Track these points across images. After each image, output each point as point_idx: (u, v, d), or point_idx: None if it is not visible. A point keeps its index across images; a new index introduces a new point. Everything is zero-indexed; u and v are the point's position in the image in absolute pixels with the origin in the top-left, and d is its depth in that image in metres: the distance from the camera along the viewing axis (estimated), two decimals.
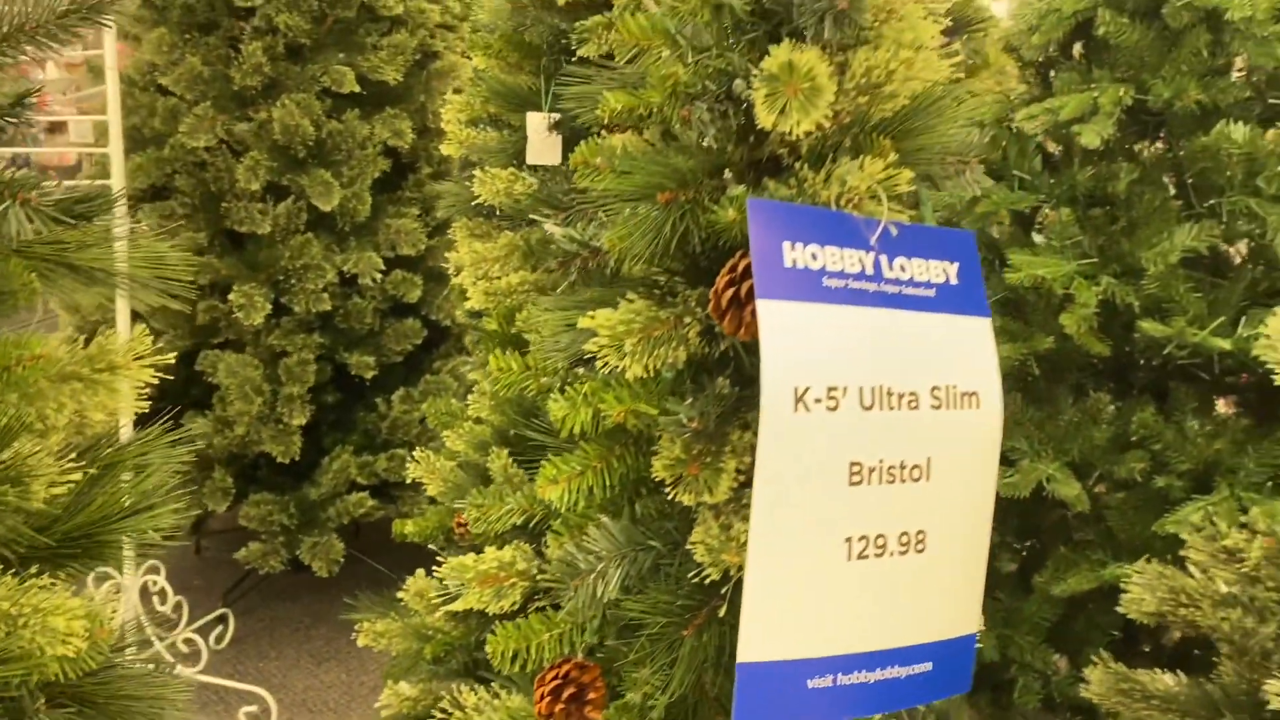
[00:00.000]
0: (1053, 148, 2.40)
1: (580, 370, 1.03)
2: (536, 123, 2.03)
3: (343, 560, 3.33)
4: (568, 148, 2.09)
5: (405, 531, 2.12)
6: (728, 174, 0.98)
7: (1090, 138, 2.07)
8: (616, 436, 1.05)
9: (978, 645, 2.22)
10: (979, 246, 2.50)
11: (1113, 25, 2.16)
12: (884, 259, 0.93)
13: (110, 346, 1.01)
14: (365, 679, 3.31)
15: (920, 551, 0.94)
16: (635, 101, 1.02)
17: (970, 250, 0.99)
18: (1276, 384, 1.41)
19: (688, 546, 0.98)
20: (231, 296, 3.25)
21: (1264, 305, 2.19)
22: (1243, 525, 1.54)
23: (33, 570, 0.91)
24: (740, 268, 0.94)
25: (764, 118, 0.93)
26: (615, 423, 0.97)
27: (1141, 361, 2.24)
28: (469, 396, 2.25)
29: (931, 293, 0.95)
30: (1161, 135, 2.30)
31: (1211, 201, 2.13)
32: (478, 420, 2.16)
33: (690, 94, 0.98)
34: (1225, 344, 1.97)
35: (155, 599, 3.12)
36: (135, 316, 3.38)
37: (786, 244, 0.89)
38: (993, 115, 2.43)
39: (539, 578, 1.15)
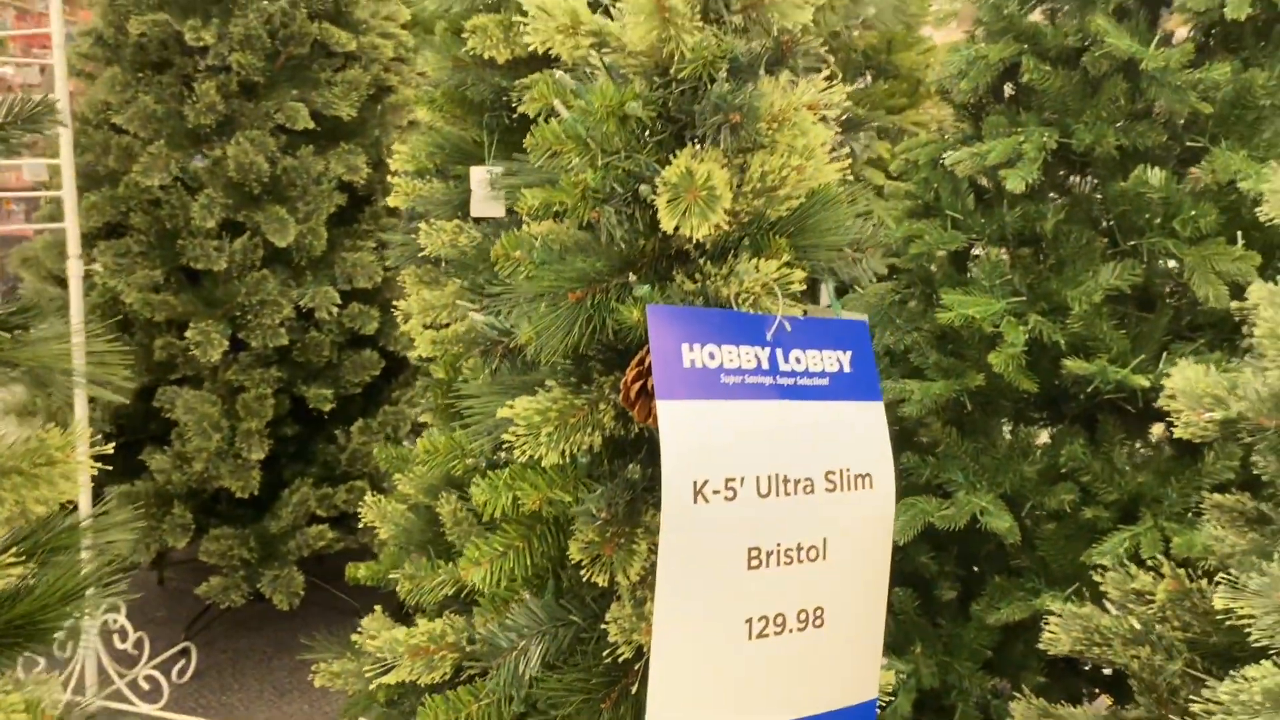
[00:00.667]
0: (986, 182, 2.48)
1: (501, 454, 1.09)
2: (480, 177, 2.09)
3: (303, 593, 3.36)
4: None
5: (358, 576, 2.16)
6: (632, 276, 1.04)
7: (1015, 183, 2.15)
8: (537, 517, 1.11)
9: (919, 672, 2.30)
10: (916, 281, 2.58)
11: (1036, 73, 2.25)
12: (779, 353, 0.99)
13: (50, 441, 1.05)
14: (328, 709, 3.34)
15: (819, 626, 1.00)
16: (551, 198, 1.08)
17: (863, 338, 1.06)
18: (1177, 435, 1.48)
19: (602, 626, 1.04)
20: (189, 333, 3.27)
21: (1187, 339, 2.28)
22: (1150, 567, 1.61)
23: None
24: (647, 361, 1.00)
25: (666, 222, 0.99)
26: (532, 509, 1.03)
27: (1071, 394, 2.32)
28: (419, 440, 2.29)
29: (825, 381, 1.01)
30: (1088, 174, 2.38)
31: (1133, 242, 2.21)
32: (428, 464, 2.21)
33: (599, 197, 1.04)
34: (1145, 381, 2.05)
35: (115, 637, 3.14)
36: (88, 352, 3.40)
37: (685, 345, 0.95)
38: (926, 155, 2.51)
39: (468, 649, 1.20)
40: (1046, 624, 1.66)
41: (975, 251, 2.43)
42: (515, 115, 2.07)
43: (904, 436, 2.50)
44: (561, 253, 1.09)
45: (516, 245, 1.11)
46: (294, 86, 3.42)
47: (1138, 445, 2.31)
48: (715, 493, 0.92)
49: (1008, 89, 2.50)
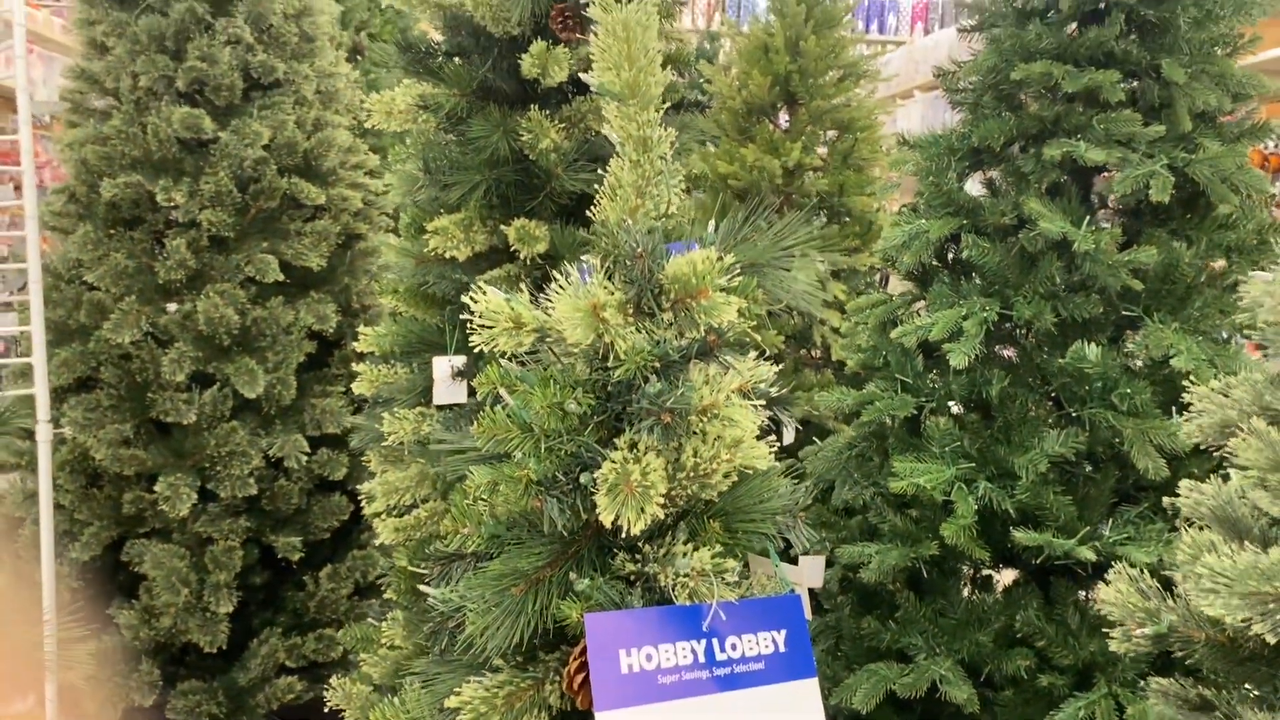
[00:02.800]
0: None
1: None
2: (443, 368, 2.15)
3: None
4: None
5: None
6: (573, 574, 1.09)
7: (959, 359, 2.23)
8: None
9: None
10: (871, 438, 2.64)
11: (975, 249, 2.35)
12: (716, 643, 1.04)
13: None
14: None
15: None
16: (497, 478, 1.13)
17: (797, 614, 1.11)
18: (1112, 649, 1.54)
19: None
20: (158, 487, 3.29)
21: (1131, 501, 2.35)
22: None
23: None
24: (589, 662, 1.05)
25: (605, 516, 1.05)
26: None
27: (1023, 558, 2.37)
28: (383, 622, 2.32)
29: (761, 665, 1.06)
30: (1029, 340, 2.47)
31: (1075, 411, 2.29)
32: (392, 646, 2.24)
33: (541, 486, 1.10)
34: (1091, 555, 2.11)
35: None
36: (59, 507, 3.41)
37: (623, 651, 1.00)
38: (875, 319, 2.61)
39: None
40: None
41: (923, 415, 2.50)
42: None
43: (864, 594, 2.54)
44: (509, 527, 1.14)
45: (465, 519, 1.16)
46: (264, 238, 3.49)
47: (1090, 607, 2.36)
48: None
49: (950, 255, 2.60)
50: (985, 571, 2.57)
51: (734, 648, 1.05)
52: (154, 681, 3.26)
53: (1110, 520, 2.27)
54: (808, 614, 1.11)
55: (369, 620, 2.40)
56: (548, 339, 1.13)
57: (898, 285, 2.83)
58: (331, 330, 3.59)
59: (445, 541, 1.17)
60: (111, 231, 3.44)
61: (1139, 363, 2.27)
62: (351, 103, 3.93)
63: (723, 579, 1.06)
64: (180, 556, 3.31)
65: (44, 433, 2.99)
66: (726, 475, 1.09)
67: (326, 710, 2.27)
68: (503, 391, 1.16)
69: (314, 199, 3.54)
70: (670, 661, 1.01)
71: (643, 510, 1.03)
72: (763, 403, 1.14)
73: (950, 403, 2.48)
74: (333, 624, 3.50)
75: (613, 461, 1.05)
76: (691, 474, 1.07)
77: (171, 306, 3.41)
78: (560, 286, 1.10)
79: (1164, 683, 1.72)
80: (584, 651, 1.05)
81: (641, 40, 1.11)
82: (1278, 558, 1.29)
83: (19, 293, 3.22)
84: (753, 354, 1.16)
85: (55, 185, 3.57)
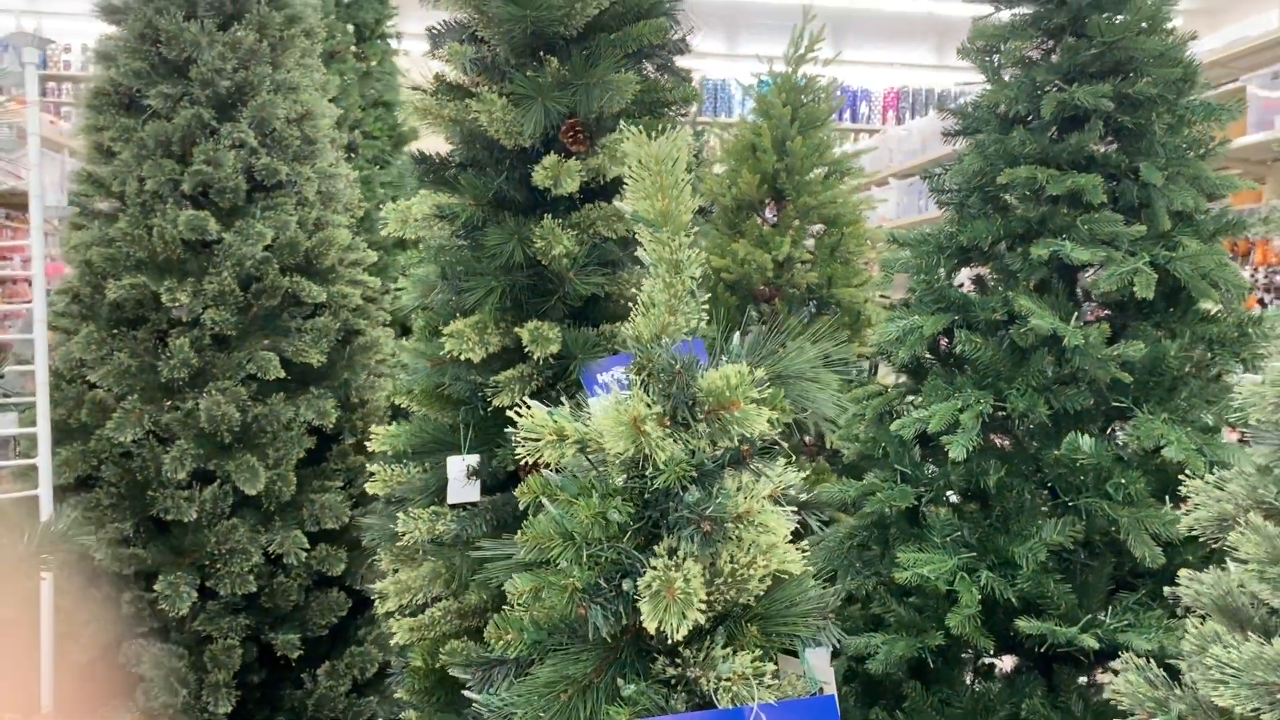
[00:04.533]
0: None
1: None
2: (457, 468, 2.20)
3: None
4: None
5: None
6: (620, 680, 1.13)
7: (958, 451, 2.30)
8: None
9: None
10: (872, 528, 2.68)
11: (968, 344, 2.43)
12: None
13: None
14: None
15: None
16: (539, 584, 1.18)
17: (832, 714, 1.15)
18: None
19: None
20: (158, 586, 3.28)
21: (1129, 588, 2.41)
22: None
23: None
24: None
25: (649, 623, 1.10)
26: None
27: (1026, 646, 2.41)
28: None
29: None
30: (1023, 431, 2.55)
31: (1071, 501, 2.35)
32: None
33: (586, 594, 1.15)
34: (1093, 642, 2.16)
35: None
36: (57, 608, 3.39)
37: None
38: (872, 411, 2.68)
39: None
40: None
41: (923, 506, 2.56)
42: (489, 408, 2.19)
43: (869, 688, 2.57)
44: (550, 632, 1.18)
45: (509, 627, 1.20)
46: (265, 336, 3.53)
47: (1093, 694, 2.40)
48: None
49: (944, 345, 2.69)
50: (988, 660, 2.60)
51: None
52: None
53: (1109, 607, 2.32)
54: (838, 708, 1.16)
55: None
56: (587, 449, 1.19)
57: (886, 372, 2.91)
58: (331, 426, 3.62)
59: (488, 648, 1.20)
60: (115, 331, 3.48)
61: (1131, 452, 2.34)
62: (350, 202, 4.02)
63: (762, 681, 1.11)
64: (179, 656, 3.29)
65: None
66: (762, 580, 1.14)
67: None
68: (545, 501, 1.21)
69: (315, 297, 3.60)
70: None
71: (684, 616, 1.08)
72: (794, 508, 1.19)
73: (948, 492, 2.55)
74: None
75: (654, 569, 1.10)
76: (729, 579, 1.13)
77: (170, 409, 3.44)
78: (600, 402, 1.16)
79: None
80: None
81: (672, 171, 1.19)
82: None
83: (19, 394, 3.25)
84: (780, 461, 1.22)
85: (59, 285, 3.62)
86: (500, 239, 2.10)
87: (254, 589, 3.38)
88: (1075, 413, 2.39)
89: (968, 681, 2.52)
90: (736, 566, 1.12)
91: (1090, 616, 2.24)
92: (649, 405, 1.15)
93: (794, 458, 1.14)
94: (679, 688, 1.13)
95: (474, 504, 2.22)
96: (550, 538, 1.16)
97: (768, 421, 1.17)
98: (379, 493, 2.30)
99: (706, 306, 1.23)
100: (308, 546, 3.47)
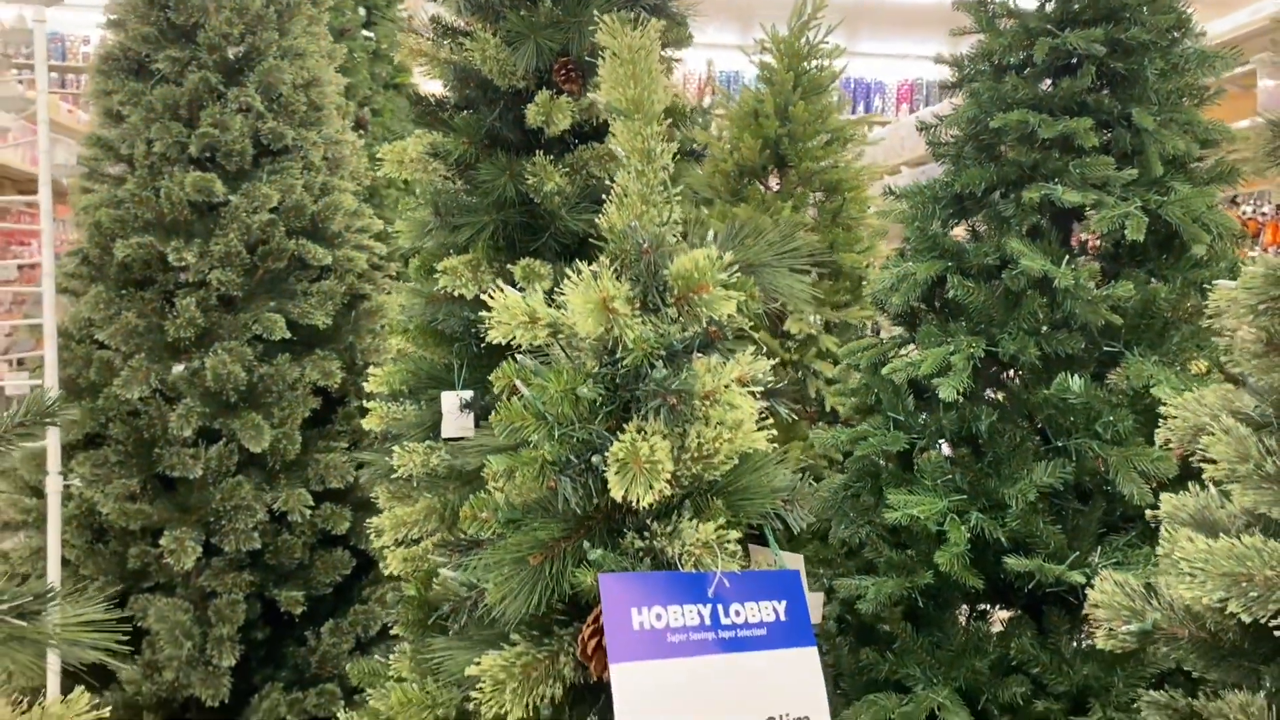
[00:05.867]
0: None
1: (469, 705, 1.18)
2: (451, 402, 2.23)
3: None
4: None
5: None
6: (587, 544, 1.16)
7: (948, 392, 2.31)
8: None
9: None
10: (865, 476, 2.70)
11: (961, 289, 2.45)
12: (720, 608, 1.11)
13: (53, 710, 1.13)
14: None
15: None
16: (514, 465, 1.21)
17: (796, 588, 1.18)
18: (1099, 646, 1.59)
19: None
20: (163, 541, 3.33)
21: (1120, 529, 2.42)
22: None
23: None
24: (603, 619, 1.11)
25: (615, 491, 1.12)
26: None
27: (1016, 586, 2.43)
28: (391, 656, 2.36)
29: (763, 632, 1.13)
30: (1016, 376, 2.56)
31: (1062, 442, 2.36)
32: (399, 679, 2.27)
33: (556, 467, 1.17)
34: (1081, 578, 2.17)
35: None
36: (65, 562, 3.45)
37: (634, 610, 1.06)
38: (867, 360, 2.70)
39: None
40: None
41: (916, 451, 2.57)
42: (483, 345, 2.22)
43: (862, 631, 2.59)
44: (524, 511, 1.21)
45: (483, 506, 1.23)
46: (271, 298, 3.58)
47: (1083, 635, 2.41)
48: None
49: (939, 297, 2.71)
50: (980, 607, 2.61)
51: (737, 614, 1.12)
52: None
53: (1099, 549, 2.33)
54: (805, 588, 1.18)
55: (376, 658, 2.43)
56: (560, 334, 1.21)
57: (889, 335, 2.93)
58: (336, 386, 3.66)
59: (463, 530, 1.23)
60: (123, 291, 3.54)
61: (1120, 393, 2.35)
62: (356, 169, 4.06)
63: (725, 550, 1.13)
64: (184, 610, 3.33)
65: (54, 484, 3.05)
66: (728, 456, 1.17)
67: None
68: (519, 384, 1.24)
69: (321, 260, 3.64)
70: (678, 622, 1.08)
71: (651, 486, 1.10)
72: (760, 390, 1.22)
73: (941, 440, 2.56)
74: (334, 679, 3.51)
75: (622, 442, 1.13)
76: (695, 455, 1.15)
77: (178, 367, 3.49)
78: (572, 283, 1.19)
79: (1155, 695, 1.77)
80: (598, 618, 1.11)
81: (645, 62, 1.22)
82: (1250, 543, 1.36)
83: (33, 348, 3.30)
84: (750, 349, 1.24)
85: (70, 249, 3.68)
86: (493, 174, 2.13)
87: (258, 546, 3.42)
88: (1066, 357, 2.40)
89: (959, 626, 2.53)
90: (703, 442, 1.15)
91: (1078, 555, 2.25)
92: (618, 286, 1.18)
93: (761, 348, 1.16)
94: (646, 559, 1.15)
95: (469, 438, 2.25)
96: (523, 417, 1.19)
97: (737, 308, 1.20)
98: (375, 428, 2.34)
99: (680, 197, 1.26)
100: (312, 504, 3.51)
